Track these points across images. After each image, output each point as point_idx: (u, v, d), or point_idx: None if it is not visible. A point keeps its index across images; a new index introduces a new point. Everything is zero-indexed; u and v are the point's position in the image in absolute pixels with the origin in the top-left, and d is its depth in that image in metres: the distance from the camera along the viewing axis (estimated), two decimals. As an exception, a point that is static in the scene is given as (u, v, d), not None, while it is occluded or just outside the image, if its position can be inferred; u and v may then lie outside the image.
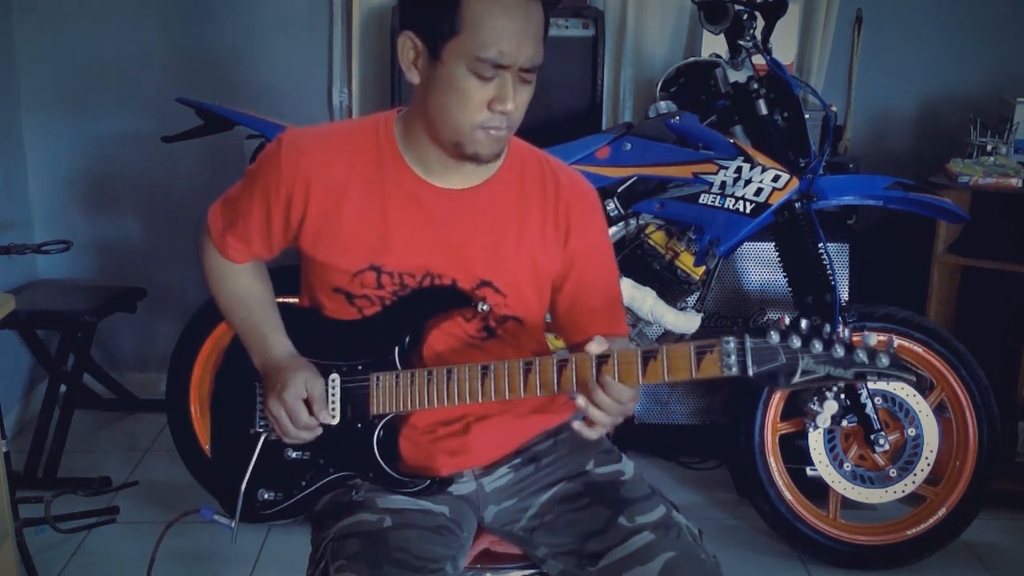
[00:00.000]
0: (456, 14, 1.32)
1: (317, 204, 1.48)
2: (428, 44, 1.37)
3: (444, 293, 1.50)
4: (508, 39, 1.33)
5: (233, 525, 1.55)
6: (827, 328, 1.29)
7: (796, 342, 1.29)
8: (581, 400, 1.36)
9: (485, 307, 1.50)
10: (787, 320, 1.30)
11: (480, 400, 1.43)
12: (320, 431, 1.49)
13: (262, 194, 1.50)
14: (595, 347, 1.35)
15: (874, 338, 1.29)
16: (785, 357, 1.29)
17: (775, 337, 1.29)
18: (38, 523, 2.41)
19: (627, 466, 1.57)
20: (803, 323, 1.29)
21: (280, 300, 1.62)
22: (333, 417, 1.49)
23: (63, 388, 2.96)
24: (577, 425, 1.38)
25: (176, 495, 2.72)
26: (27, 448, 2.84)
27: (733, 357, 1.30)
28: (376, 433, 1.48)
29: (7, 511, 1.91)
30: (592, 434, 1.38)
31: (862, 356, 1.29)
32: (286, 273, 1.72)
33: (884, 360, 1.29)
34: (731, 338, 1.30)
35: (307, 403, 1.47)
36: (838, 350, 1.28)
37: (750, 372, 1.29)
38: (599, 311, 1.58)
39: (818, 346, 1.29)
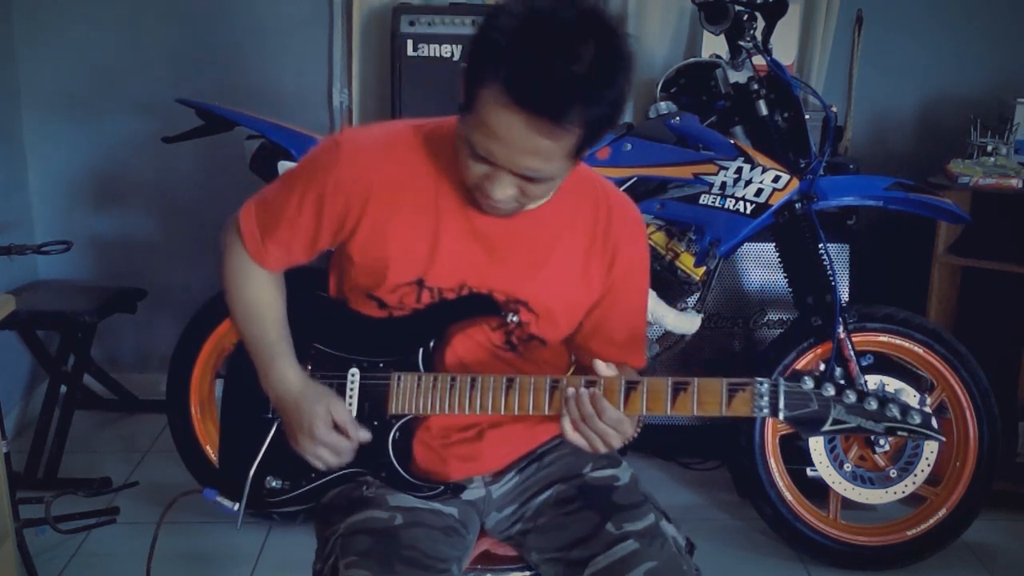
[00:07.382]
0: (473, 95, 1.26)
1: (372, 215, 1.43)
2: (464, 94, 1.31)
3: (473, 300, 1.46)
4: (500, 148, 1.25)
5: (237, 508, 1.52)
6: (862, 379, 1.29)
7: (830, 390, 1.29)
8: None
9: (514, 318, 1.47)
10: (822, 367, 1.29)
11: (503, 412, 1.41)
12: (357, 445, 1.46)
13: (315, 199, 1.43)
14: (604, 368, 1.35)
15: (909, 393, 1.29)
16: (818, 404, 1.29)
17: (809, 383, 1.29)
18: (38, 524, 2.41)
19: (624, 472, 1.56)
20: (838, 371, 1.29)
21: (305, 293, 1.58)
22: (368, 436, 1.46)
23: (63, 389, 2.96)
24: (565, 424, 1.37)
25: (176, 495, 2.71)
26: (27, 449, 2.84)
27: (765, 399, 1.30)
28: (392, 433, 1.47)
29: (7, 512, 1.91)
30: (573, 436, 1.36)
31: (894, 411, 1.29)
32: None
33: (916, 418, 1.29)
34: (764, 380, 1.30)
35: (337, 428, 1.43)
36: (871, 403, 1.29)
37: (781, 415, 1.29)
38: (621, 342, 1.55)
39: (852, 396, 1.29)
